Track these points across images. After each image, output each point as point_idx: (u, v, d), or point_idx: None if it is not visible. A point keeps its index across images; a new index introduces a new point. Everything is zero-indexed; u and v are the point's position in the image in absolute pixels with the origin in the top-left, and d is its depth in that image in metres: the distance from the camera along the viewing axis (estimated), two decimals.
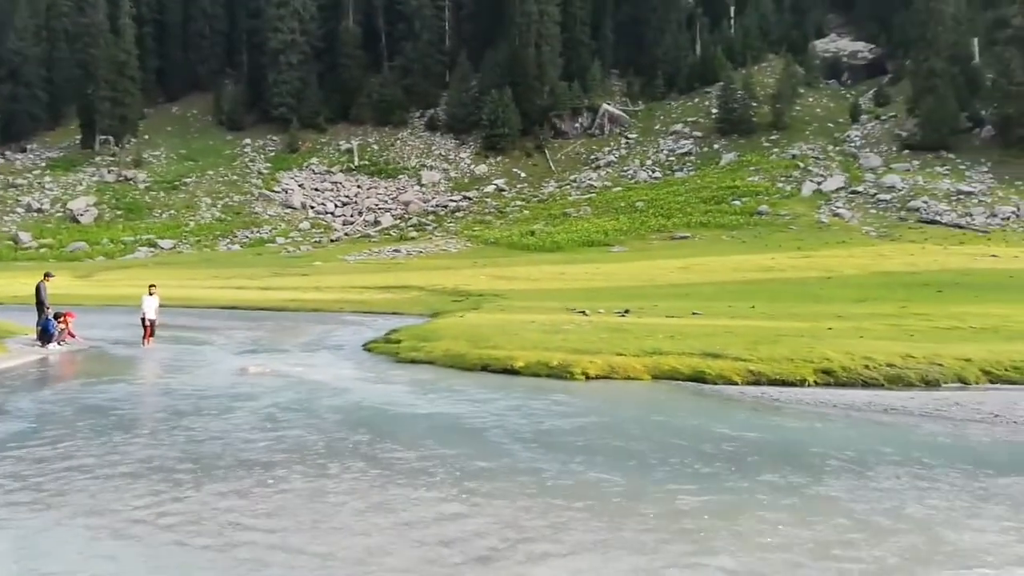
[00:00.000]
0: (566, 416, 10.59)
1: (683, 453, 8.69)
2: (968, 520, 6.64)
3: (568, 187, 63.65)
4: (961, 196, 48.63)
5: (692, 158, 62.98)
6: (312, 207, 65.36)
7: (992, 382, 13.47)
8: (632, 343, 15.66)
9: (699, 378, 13.40)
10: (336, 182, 68.45)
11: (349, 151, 71.84)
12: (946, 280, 27.41)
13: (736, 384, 13.08)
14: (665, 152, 64.92)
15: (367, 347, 17.95)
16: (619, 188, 60.81)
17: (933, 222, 45.72)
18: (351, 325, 23.13)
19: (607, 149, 67.58)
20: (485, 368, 14.30)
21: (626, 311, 22.18)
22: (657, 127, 68.17)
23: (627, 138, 68.29)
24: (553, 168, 67.20)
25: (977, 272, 29.34)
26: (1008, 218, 45.46)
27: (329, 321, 24.35)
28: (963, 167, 52.31)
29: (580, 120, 70.97)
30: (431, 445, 8.83)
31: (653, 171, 62.95)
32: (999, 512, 6.88)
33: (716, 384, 13.11)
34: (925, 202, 48.29)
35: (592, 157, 67.22)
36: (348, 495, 7.00)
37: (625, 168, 64.37)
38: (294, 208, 65.05)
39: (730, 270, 33.50)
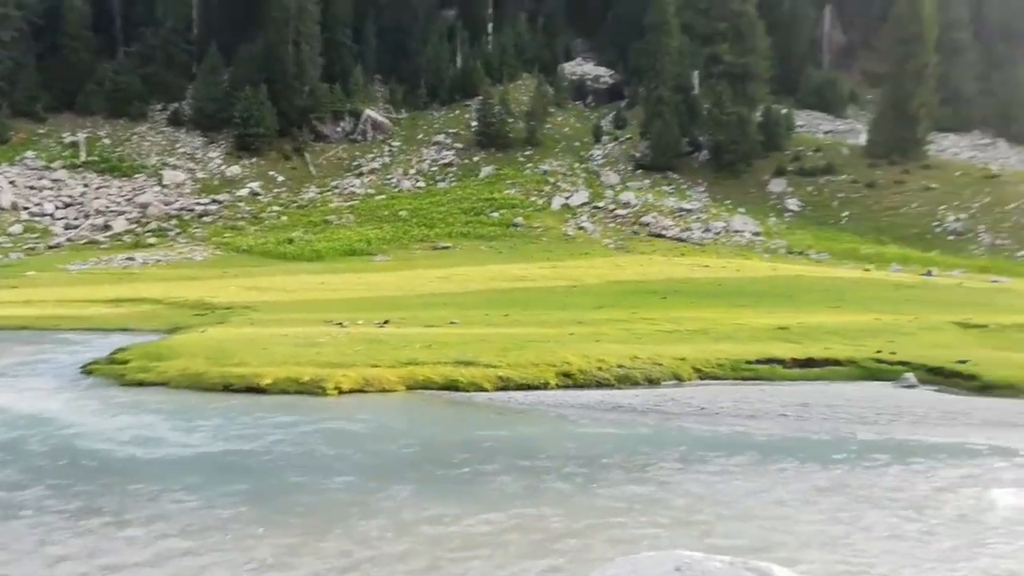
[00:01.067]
0: (299, 433, 10.26)
1: (419, 461, 8.83)
2: (671, 498, 7.51)
3: (330, 193, 62.01)
4: (683, 213, 55.31)
5: (454, 169, 64.62)
6: (26, 208, 56.72)
7: (701, 378, 15.43)
8: (388, 354, 15.64)
9: (452, 386, 13.74)
10: (57, 180, 60.07)
11: (74, 145, 63.45)
12: (669, 288, 30.92)
13: (487, 391, 13.61)
14: (428, 162, 65.88)
15: (86, 369, 15.90)
16: (383, 196, 60.54)
17: (660, 236, 51.44)
18: (70, 344, 20.32)
19: (370, 155, 66.96)
20: (227, 388, 13.37)
21: (385, 322, 22.09)
22: (420, 136, 68.96)
23: (391, 145, 68.24)
24: (314, 172, 65.07)
25: (694, 280, 33.47)
26: (719, 233, 52.60)
27: (42, 340, 21.15)
28: (685, 187, 59.55)
29: (342, 124, 69.53)
30: (146, 479, 8.04)
31: (417, 180, 63.56)
32: (681, 494, 7.87)
33: (468, 391, 13.54)
34: (654, 217, 54.21)
35: (355, 163, 66.17)
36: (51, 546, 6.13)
37: (389, 176, 64.26)
38: (3, 209, 55.98)
39: (487, 279, 34.84)
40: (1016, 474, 9.08)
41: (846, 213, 53.79)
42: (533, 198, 57.76)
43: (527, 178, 61.04)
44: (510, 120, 66.05)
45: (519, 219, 53.82)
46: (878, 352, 16.20)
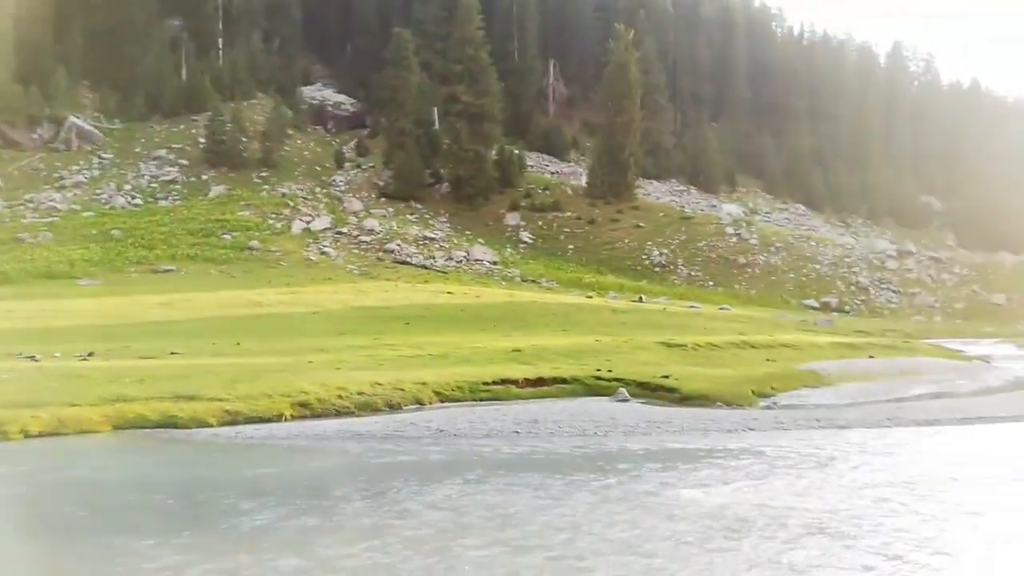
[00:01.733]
0: None
1: (117, 512, 7.75)
2: (407, 523, 7.36)
3: (22, 207, 53.30)
4: (427, 241, 56.41)
5: (178, 187, 59.29)
6: None
7: (442, 401, 15.59)
8: (91, 391, 13.63)
9: (170, 424, 12.33)
10: None
11: None
12: (413, 314, 31.12)
13: (211, 426, 12.42)
14: (147, 177, 59.70)
15: None
16: (90, 213, 53.48)
17: (405, 263, 51.89)
18: None
19: (75, 167, 58.94)
20: None
21: (90, 354, 19.32)
22: (138, 150, 62.35)
23: (101, 157, 60.72)
24: (1, 184, 55.59)
25: (437, 306, 34.10)
26: (460, 261, 54.43)
27: None
28: (428, 216, 60.87)
29: (40, 131, 60.44)
30: None
31: (133, 197, 57.19)
32: (416, 516, 7.80)
33: (189, 428, 12.24)
34: (399, 245, 54.58)
35: (56, 175, 57.82)
36: None
37: (98, 191, 57.01)
38: None
39: (217, 306, 32.17)
40: (704, 473, 10.36)
41: (572, 246, 58.82)
42: (271, 221, 55.05)
43: (264, 200, 58.10)
44: (243, 139, 62.53)
45: (255, 242, 50.89)
46: (598, 370, 17.72)
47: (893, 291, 54.55)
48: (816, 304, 50.55)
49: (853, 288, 54.34)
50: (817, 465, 10.86)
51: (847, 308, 50.69)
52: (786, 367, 18.95)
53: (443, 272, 50.79)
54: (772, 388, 17.07)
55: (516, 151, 66.85)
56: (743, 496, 8.99)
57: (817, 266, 56.73)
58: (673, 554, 6.90)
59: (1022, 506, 9.00)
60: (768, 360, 19.70)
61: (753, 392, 16.66)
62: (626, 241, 59.21)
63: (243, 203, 56.87)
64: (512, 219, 61.64)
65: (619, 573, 6.46)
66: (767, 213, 71.85)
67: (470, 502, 8.44)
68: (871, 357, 21.28)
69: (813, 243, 61.38)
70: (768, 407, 15.81)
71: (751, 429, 13.51)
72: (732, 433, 13.18)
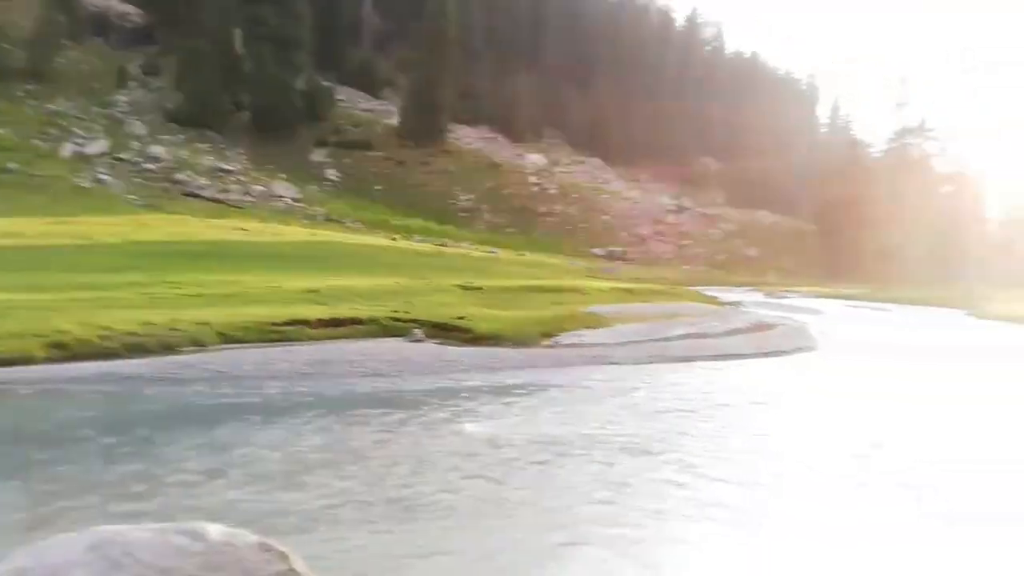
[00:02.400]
0: None
1: None
2: (167, 472, 7.06)
3: None
4: (221, 173, 52.57)
5: None
6: None
7: (227, 343, 14.81)
8: None
9: None
10: None
11: None
12: (201, 251, 29.08)
13: None
14: None
15: None
16: None
17: (195, 195, 48.11)
18: None
19: None
20: None
21: None
22: None
23: None
24: None
25: (229, 243, 32.11)
26: (259, 197, 51.47)
27: None
28: (223, 146, 56.60)
29: None
30: None
31: None
32: (178, 464, 7.53)
33: None
34: (189, 176, 50.41)
35: None
36: None
37: None
38: None
39: None
40: (491, 408, 10.90)
41: (379, 187, 57.85)
42: (35, 142, 48.55)
43: (28, 117, 51.01)
44: (5, 46, 54.01)
45: (14, 164, 44.69)
46: (395, 311, 17.78)
47: (668, 243, 59.87)
48: (603, 252, 54.24)
49: (635, 238, 58.88)
50: (593, 398, 11.84)
51: (629, 257, 54.93)
52: (571, 309, 20.22)
53: (239, 207, 47.90)
54: (557, 329, 18.16)
55: (327, 84, 63.85)
56: (531, 426, 9.60)
57: (606, 217, 60.67)
58: (484, 476, 7.25)
59: (768, 427, 10.52)
60: (555, 303, 20.90)
61: (540, 333, 17.62)
62: (435, 185, 59.29)
63: (2, 118, 49.45)
64: (318, 155, 59.24)
65: (432, 499, 6.65)
66: (567, 165, 75.10)
67: (242, 443, 8.23)
68: (644, 302, 23.30)
69: (605, 196, 65.40)
70: (551, 346, 16.85)
71: (535, 367, 14.36)
72: (518, 370, 13.93)
